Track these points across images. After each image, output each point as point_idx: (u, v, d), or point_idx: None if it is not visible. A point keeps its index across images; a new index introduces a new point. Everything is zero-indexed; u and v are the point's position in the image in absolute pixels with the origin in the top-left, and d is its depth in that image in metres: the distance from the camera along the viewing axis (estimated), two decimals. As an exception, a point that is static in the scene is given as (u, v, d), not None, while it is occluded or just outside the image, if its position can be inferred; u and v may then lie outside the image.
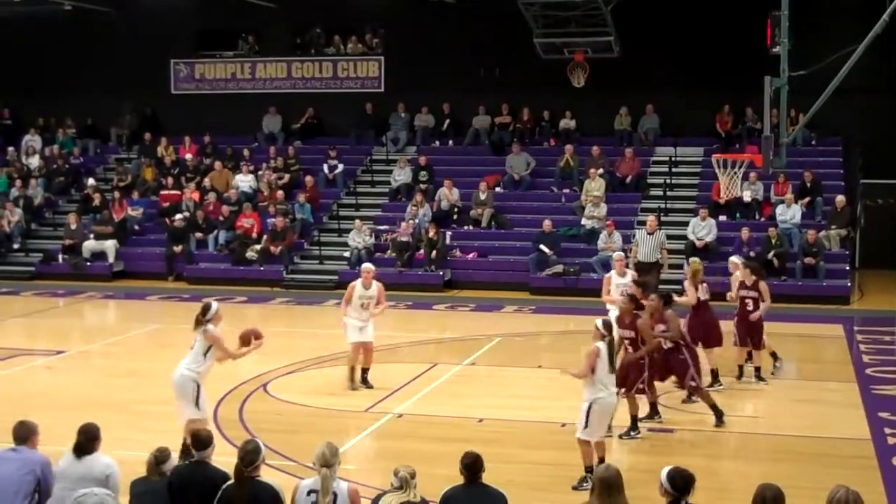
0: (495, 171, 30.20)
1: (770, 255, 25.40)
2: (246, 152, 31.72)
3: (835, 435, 14.07)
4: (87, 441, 8.73)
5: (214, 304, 12.40)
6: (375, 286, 16.65)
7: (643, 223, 25.98)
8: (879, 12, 17.37)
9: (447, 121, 32.35)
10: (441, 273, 26.89)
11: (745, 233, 25.87)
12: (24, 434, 8.81)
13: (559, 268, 26.39)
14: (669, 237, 27.15)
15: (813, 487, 9.84)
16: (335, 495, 7.91)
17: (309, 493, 8.00)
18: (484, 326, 22.30)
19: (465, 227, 28.73)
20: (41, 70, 33.97)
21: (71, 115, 34.89)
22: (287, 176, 30.66)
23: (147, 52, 33.29)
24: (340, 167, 31.23)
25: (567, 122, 31.31)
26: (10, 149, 33.76)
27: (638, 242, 25.01)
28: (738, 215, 27.54)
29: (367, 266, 17.30)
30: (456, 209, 28.93)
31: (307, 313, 24.26)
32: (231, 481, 8.11)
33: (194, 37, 34.40)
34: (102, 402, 15.48)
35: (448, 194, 28.97)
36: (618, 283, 17.36)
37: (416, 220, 28.05)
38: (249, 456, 8.06)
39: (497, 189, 29.75)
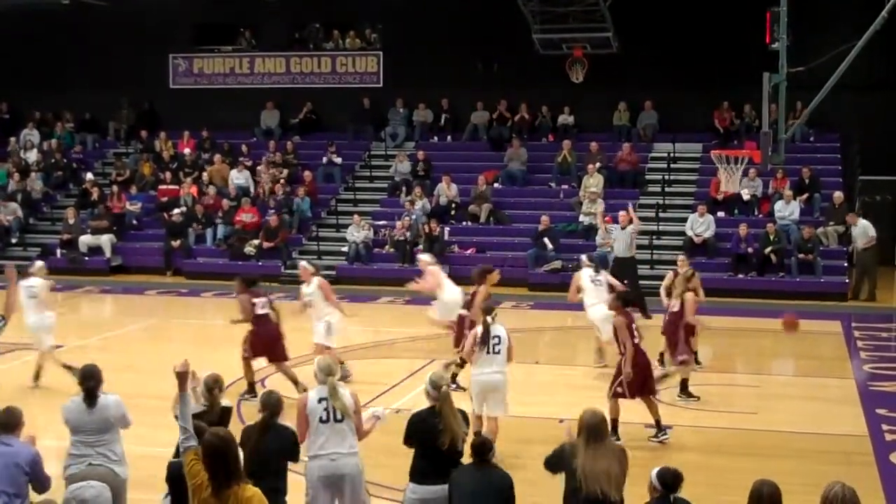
0: (494, 167, 30.22)
1: (767, 250, 25.47)
2: (244, 147, 31.75)
3: (832, 431, 14.11)
4: (96, 385, 9.18)
5: None
6: (315, 283, 16.47)
7: (643, 219, 25.96)
8: (878, 9, 17.44)
9: (445, 116, 32.37)
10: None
11: (742, 229, 25.92)
12: (13, 422, 8.66)
13: (557, 263, 26.41)
14: (667, 233, 27.27)
15: (810, 483, 9.81)
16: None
17: (319, 400, 8.90)
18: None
19: (464, 223, 28.76)
20: (39, 64, 33.95)
21: (69, 109, 34.95)
22: (286, 171, 30.67)
23: (146, 47, 33.34)
24: (340, 162, 31.24)
25: (565, 118, 31.31)
26: (13, 139, 33.80)
27: (614, 238, 24.32)
28: (736, 211, 27.56)
29: (303, 264, 17.14)
30: (454, 205, 28.96)
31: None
32: (250, 423, 8.91)
33: (193, 31, 34.37)
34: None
35: (446, 190, 28.99)
36: (594, 279, 17.44)
37: (414, 216, 28.07)
38: (272, 407, 8.72)
39: (495, 185, 29.77)
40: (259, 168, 30.79)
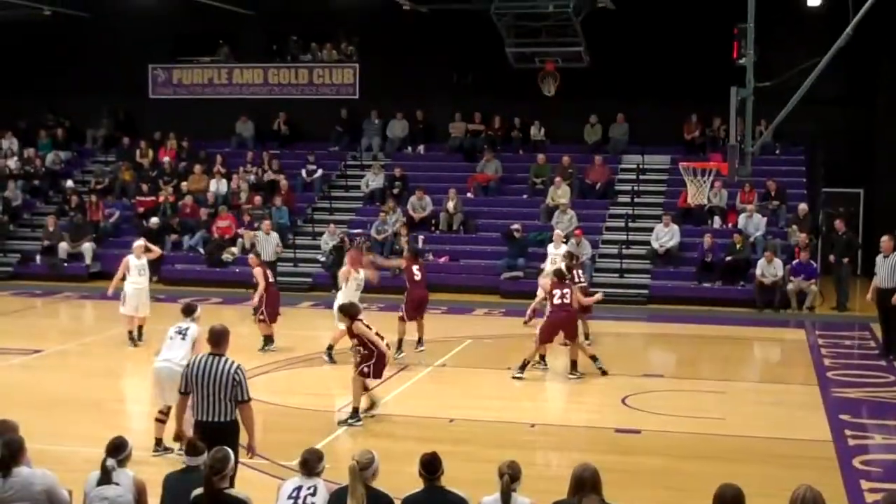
0: (467, 177, 30.58)
1: (727, 258, 25.87)
2: (219, 157, 31.99)
3: (797, 436, 14.28)
4: (10, 456, 7.97)
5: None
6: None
7: (613, 229, 26.30)
8: (843, 26, 17.75)
9: (420, 127, 32.71)
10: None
11: (707, 239, 26.34)
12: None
13: (519, 273, 26.82)
14: (636, 243, 27.61)
15: (774, 488, 10.03)
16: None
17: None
18: (455, 328, 22.54)
19: (437, 232, 29.10)
20: (20, 74, 34.07)
21: (49, 118, 35.06)
22: (264, 180, 30.99)
23: (125, 57, 33.46)
24: (319, 172, 31.57)
25: (536, 133, 31.68)
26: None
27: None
28: (709, 222, 27.98)
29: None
30: (427, 218, 29.32)
31: (281, 314, 24.45)
32: (199, 491, 7.90)
33: (172, 42, 34.60)
34: (78, 400, 15.75)
35: (419, 204, 29.34)
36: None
37: (388, 227, 28.42)
38: (218, 464, 7.91)
39: (468, 195, 30.13)
40: (236, 177, 31.03)
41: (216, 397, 9.71)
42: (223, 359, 9.89)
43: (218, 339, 10.03)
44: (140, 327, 19.93)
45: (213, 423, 9.71)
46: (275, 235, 26.03)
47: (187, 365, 10.08)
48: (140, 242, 20.87)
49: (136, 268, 19.98)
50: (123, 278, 20.01)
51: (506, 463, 7.86)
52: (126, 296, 19.81)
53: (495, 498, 7.79)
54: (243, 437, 10.02)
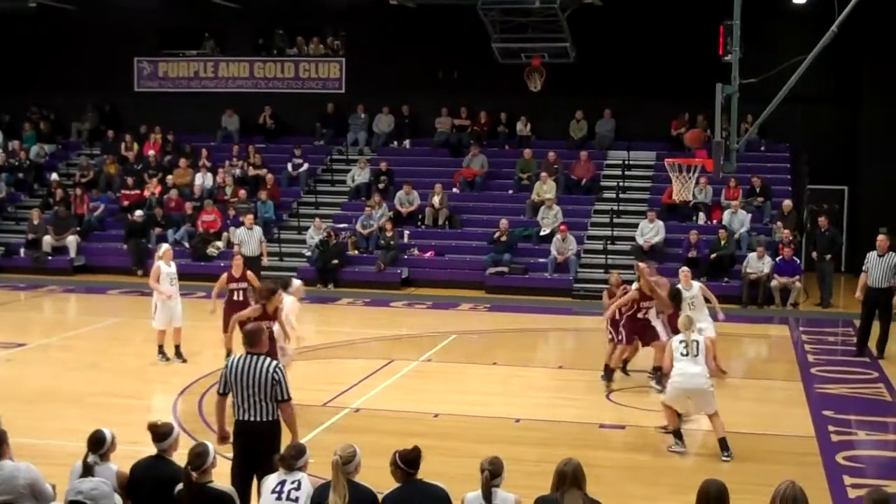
0: (453, 172, 30.60)
1: (712, 255, 25.93)
2: (204, 151, 31.94)
3: (780, 432, 14.32)
4: None
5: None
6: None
7: (598, 224, 26.32)
8: (828, 23, 17.76)
9: (406, 121, 32.72)
10: (399, 271, 27.29)
11: (693, 235, 26.41)
12: None
13: (504, 268, 26.86)
14: (621, 239, 27.66)
15: (758, 483, 10.11)
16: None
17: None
18: (440, 323, 22.57)
19: (422, 227, 29.12)
20: (4, 66, 34.00)
21: (33, 111, 34.96)
22: (249, 174, 30.98)
23: (111, 50, 33.48)
24: (305, 166, 31.54)
25: (522, 129, 31.73)
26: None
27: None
28: (694, 218, 28.07)
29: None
30: (413, 212, 29.35)
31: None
32: (180, 486, 7.94)
33: (158, 35, 34.58)
34: (62, 394, 15.74)
35: (406, 198, 29.35)
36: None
37: (373, 222, 28.43)
38: (197, 460, 7.93)
39: (454, 190, 30.15)
40: (222, 171, 31.01)
41: (257, 397, 9.49)
42: (261, 358, 9.63)
43: (253, 338, 9.76)
44: (177, 346, 18.15)
45: (255, 422, 9.50)
46: (258, 230, 25.89)
47: (225, 365, 9.78)
48: (167, 247, 19.01)
49: (167, 276, 18.10)
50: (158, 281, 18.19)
51: (487, 459, 7.86)
52: (157, 307, 18.09)
53: (478, 494, 7.79)
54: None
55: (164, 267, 18.13)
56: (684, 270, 17.69)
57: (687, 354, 13.01)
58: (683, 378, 12.99)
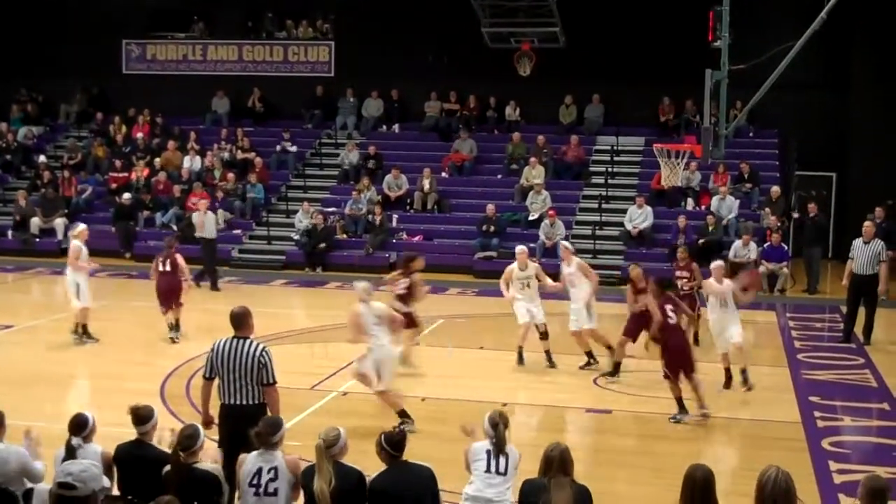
0: (442, 157, 30.59)
1: (700, 241, 25.96)
2: (193, 134, 31.87)
3: (766, 418, 14.38)
4: None
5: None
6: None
7: (586, 210, 26.41)
8: (818, 9, 17.82)
9: (395, 105, 32.68)
10: (387, 255, 27.28)
11: (681, 220, 26.45)
12: None
13: (493, 253, 26.88)
14: (609, 224, 27.69)
15: (744, 468, 10.15)
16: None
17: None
18: (428, 308, 22.53)
19: (411, 211, 29.11)
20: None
21: (22, 93, 34.88)
22: (238, 157, 30.91)
23: (99, 32, 33.41)
24: (294, 150, 31.48)
25: (511, 113, 31.72)
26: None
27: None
28: (683, 204, 28.11)
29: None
30: (401, 196, 29.32)
31: (255, 292, 24.45)
32: (168, 467, 7.97)
33: (146, 18, 34.46)
34: (49, 376, 15.78)
35: (395, 182, 29.33)
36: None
37: (361, 205, 28.42)
38: (187, 441, 7.96)
39: (443, 174, 30.15)
40: (210, 153, 30.96)
41: (243, 381, 9.49)
42: (248, 341, 9.63)
43: (239, 321, 9.74)
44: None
45: (241, 406, 9.51)
46: (211, 215, 25.21)
47: (212, 349, 9.71)
48: (83, 227, 19.33)
49: (85, 255, 18.60)
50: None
51: (496, 412, 8.39)
52: (79, 286, 18.42)
53: (484, 444, 8.11)
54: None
55: (84, 247, 18.53)
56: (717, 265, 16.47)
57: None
58: None
